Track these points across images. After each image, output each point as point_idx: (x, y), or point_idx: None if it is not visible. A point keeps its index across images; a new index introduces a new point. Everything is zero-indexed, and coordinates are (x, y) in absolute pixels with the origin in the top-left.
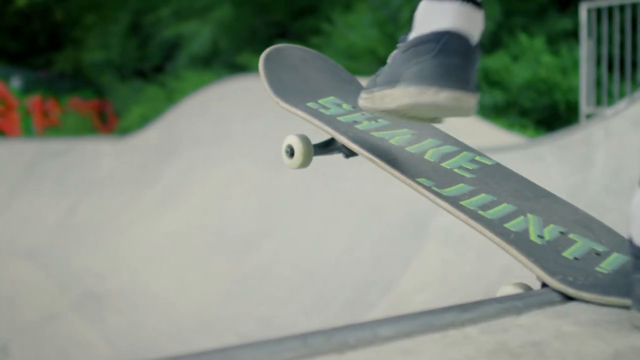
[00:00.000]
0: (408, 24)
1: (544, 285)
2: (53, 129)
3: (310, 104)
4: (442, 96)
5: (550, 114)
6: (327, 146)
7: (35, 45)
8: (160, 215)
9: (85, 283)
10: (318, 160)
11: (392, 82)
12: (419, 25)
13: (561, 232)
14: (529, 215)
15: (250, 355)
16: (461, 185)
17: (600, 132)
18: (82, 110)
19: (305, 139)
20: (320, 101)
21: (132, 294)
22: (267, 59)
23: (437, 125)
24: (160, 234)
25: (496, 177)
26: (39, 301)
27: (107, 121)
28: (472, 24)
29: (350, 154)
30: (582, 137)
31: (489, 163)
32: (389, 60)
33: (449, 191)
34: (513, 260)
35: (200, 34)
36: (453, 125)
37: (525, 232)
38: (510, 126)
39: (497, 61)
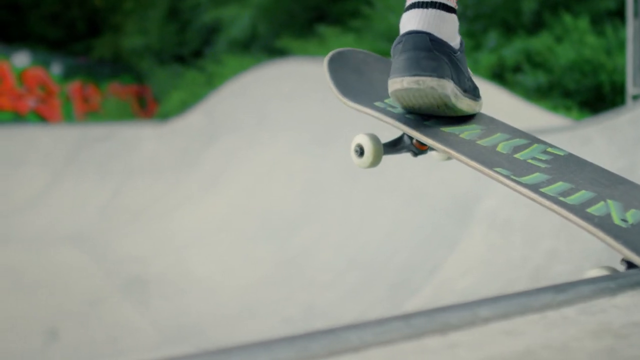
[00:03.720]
0: None
1: (629, 267)
2: (93, 114)
3: (377, 104)
4: (406, 82)
5: (595, 96)
6: (396, 145)
7: (75, 31)
8: (203, 200)
9: (131, 268)
10: None
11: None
12: (400, 30)
13: None
14: (609, 201)
15: (356, 336)
16: (537, 174)
17: None
18: (122, 96)
19: (375, 138)
20: (386, 101)
21: (177, 278)
22: (331, 62)
23: (502, 119)
24: (203, 218)
25: (570, 167)
26: (86, 286)
27: (147, 106)
28: (433, 23)
29: (418, 152)
30: (631, 119)
31: (562, 154)
32: None
33: (527, 179)
34: (559, 245)
35: (239, 19)
36: (500, 108)
37: (608, 216)
38: (554, 108)
39: (540, 42)
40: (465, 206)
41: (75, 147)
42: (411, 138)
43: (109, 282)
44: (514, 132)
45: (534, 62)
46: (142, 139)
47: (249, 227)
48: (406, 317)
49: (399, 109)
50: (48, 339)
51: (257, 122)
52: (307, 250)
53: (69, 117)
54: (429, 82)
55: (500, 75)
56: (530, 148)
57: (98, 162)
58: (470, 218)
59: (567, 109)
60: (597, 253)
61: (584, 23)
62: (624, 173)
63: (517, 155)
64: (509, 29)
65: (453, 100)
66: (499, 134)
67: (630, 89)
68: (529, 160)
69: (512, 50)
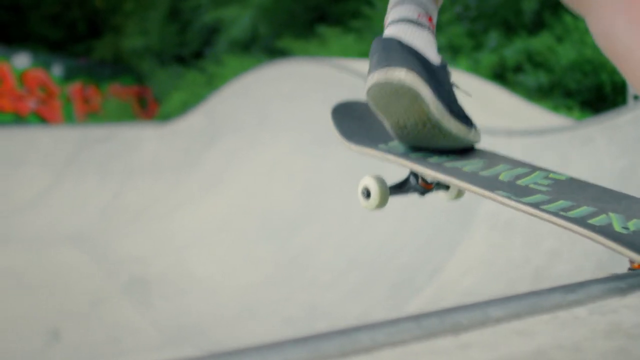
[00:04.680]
0: (449, 5)
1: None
2: (94, 115)
3: (381, 146)
4: (376, 76)
5: (596, 95)
6: (402, 186)
7: (75, 32)
8: (203, 200)
9: (132, 268)
10: None
11: None
12: None
13: None
14: (611, 214)
15: (368, 337)
16: (539, 195)
17: None
18: (123, 97)
19: (381, 181)
20: (390, 144)
21: (177, 278)
22: (336, 112)
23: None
24: (204, 218)
25: (572, 188)
26: (87, 287)
27: (147, 107)
28: (402, 33)
29: (425, 191)
30: (632, 118)
31: (563, 178)
32: None
33: (528, 200)
34: (560, 245)
35: (239, 19)
36: (500, 108)
37: (609, 225)
38: (555, 108)
39: (540, 42)
40: (467, 208)
41: (76, 147)
42: (417, 178)
43: (109, 283)
44: (516, 163)
45: (535, 62)
46: (143, 139)
47: (250, 227)
48: (417, 317)
49: (402, 149)
50: (49, 340)
51: (258, 122)
52: (307, 251)
53: (69, 118)
54: (397, 73)
55: (502, 75)
56: (532, 175)
57: (99, 163)
58: (471, 220)
59: (568, 109)
60: (598, 254)
61: (584, 23)
62: (625, 173)
63: (519, 182)
64: (510, 29)
65: (436, 113)
66: (501, 165)
67: (632, 89)
68: (531, 185)
69: (513, 50)
